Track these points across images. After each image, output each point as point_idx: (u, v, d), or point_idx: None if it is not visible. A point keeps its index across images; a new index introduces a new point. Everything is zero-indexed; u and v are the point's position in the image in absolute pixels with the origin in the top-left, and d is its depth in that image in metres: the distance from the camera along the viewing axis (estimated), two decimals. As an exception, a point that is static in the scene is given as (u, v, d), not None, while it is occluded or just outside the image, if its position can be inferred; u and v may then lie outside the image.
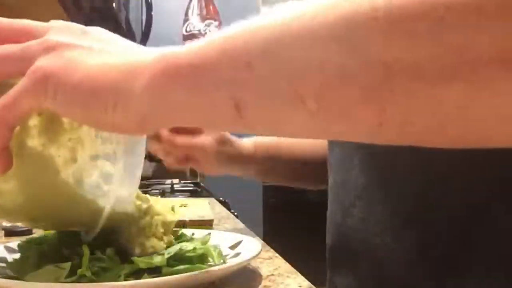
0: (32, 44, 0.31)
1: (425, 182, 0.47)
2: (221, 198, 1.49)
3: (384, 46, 0.20)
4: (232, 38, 0.25)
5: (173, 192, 1.62)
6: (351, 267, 0.54)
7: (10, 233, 0.73)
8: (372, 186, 0.51)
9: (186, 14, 1.93)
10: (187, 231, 0.49)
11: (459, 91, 0.20)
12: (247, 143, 0.72)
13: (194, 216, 0.75)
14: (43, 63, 0.29)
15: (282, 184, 0.83)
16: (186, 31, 1.91)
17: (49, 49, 0.30)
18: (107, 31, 0.33)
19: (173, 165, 0.69)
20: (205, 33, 1.86)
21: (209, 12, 1.92)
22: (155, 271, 0.38)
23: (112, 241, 0.41)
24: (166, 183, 1.77)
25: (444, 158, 0.45)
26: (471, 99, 0.20)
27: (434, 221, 0.46)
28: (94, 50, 0.30)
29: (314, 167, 0.76)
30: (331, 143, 0.63)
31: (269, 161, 0.74)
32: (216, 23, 1.90)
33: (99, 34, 0.32)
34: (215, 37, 0.26)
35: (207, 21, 1.90)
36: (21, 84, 0.30)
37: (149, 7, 1.71)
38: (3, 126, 0.30)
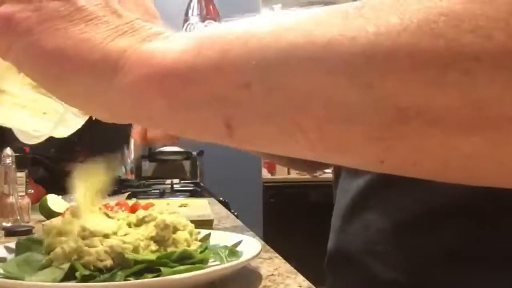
0: None
1: (427, 189, 0.45)
2: (221, 198, 1.49)
3: (402, 90, 0.19)
4: (230, 51, 0.22)
5: (173, 192, 1.62)
6: (351, 273, 0.54)
7: (10, 233, 0.73)
8: (374, 194, 0.51)
9: (186, 14, 1.93)
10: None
11: (476, 143, 0.19)
12: None
13: (194, 216, 0.75)
14: (20, 11, 0.25)
15: (279, 163, 0.76)
16: (186, 31, 1.91)
17: None
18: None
19: (163, 141, 0.58)
20: (205, 33, 1.86)
21: (209, 12, 1.91)
22: (155, 271, 0.38)
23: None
24: (166, 183, 1.77)
25: None
26: (487, 151, 0.19)
27: (436, 229, 0.45)
28: (84, 15, 0.25)
29: None
30: None
31: None
32: (216, 23, 1.90)
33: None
34: (210, 43, 0.23)
35: (207, 21, 1.90)
36: None
37: (149, 7, 1.71)
38: None
